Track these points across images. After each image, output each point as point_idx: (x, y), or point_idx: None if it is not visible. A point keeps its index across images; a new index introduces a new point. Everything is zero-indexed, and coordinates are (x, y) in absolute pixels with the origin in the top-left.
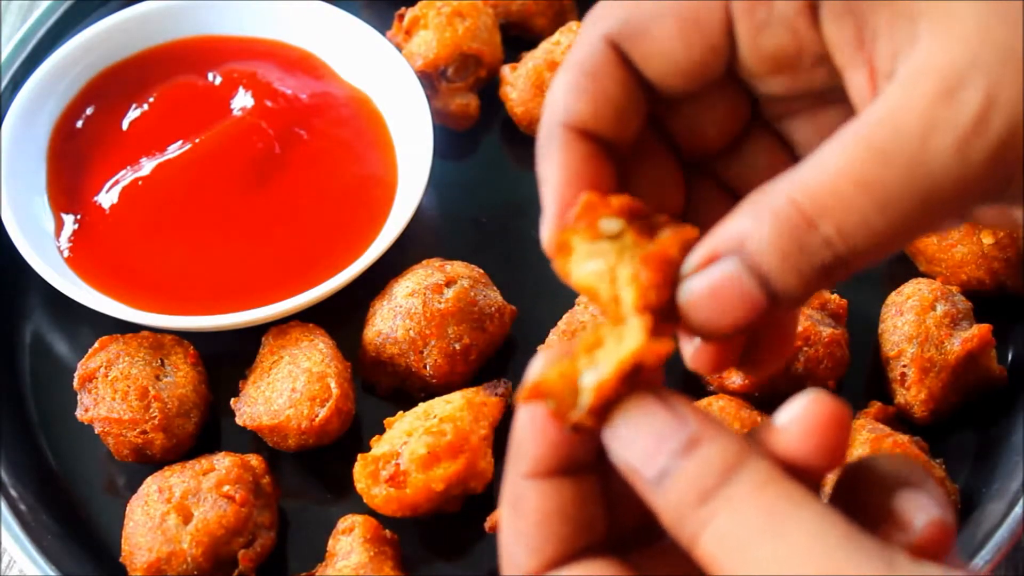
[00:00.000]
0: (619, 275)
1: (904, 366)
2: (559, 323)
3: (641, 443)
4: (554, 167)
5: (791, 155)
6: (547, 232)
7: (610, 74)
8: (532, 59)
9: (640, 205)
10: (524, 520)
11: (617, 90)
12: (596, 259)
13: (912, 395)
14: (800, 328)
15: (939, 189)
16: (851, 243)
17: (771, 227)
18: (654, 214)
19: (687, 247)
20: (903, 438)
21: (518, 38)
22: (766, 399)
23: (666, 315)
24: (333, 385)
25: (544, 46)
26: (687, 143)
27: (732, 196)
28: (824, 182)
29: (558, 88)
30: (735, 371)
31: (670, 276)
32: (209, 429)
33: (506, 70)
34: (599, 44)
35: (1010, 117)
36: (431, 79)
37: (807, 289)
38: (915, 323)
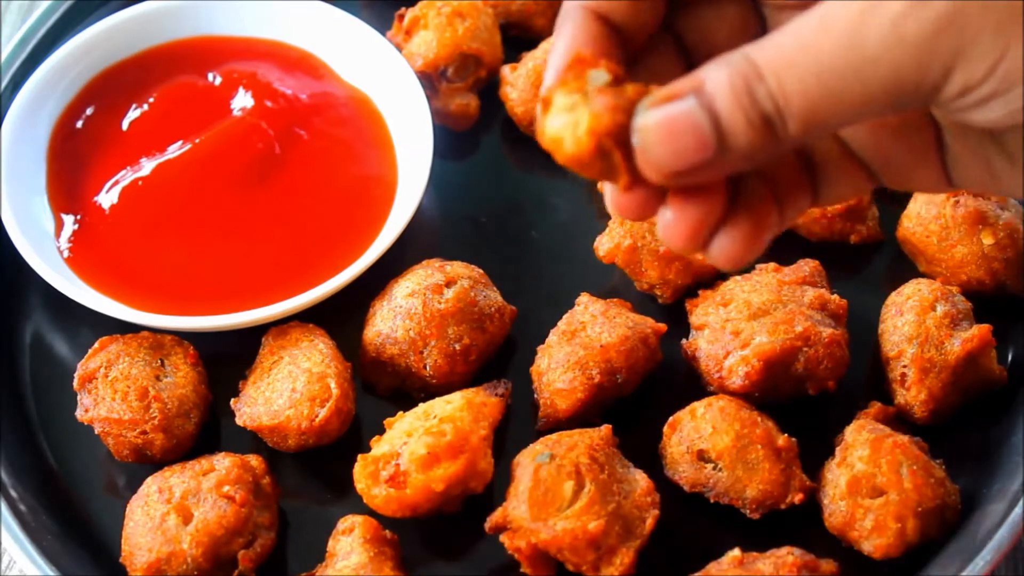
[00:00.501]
0: (576, 114)
1: (904, 366)
2: (559, 323)
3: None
4: (563, 38)
5: None
6: (544, 84)
7: None
8: (532, 59)
9: (624, 72)
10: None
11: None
12: (570, 100)
13: (912, 395)
14: (800, 328)
15: (872, 63)
16: (789, 101)
17: (727, 73)
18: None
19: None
20: (903, 438)
21: (518, 38)
22: (766, 399)
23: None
24: (333, 385)
25: (544, 46)
26: (697, 46)
27: None
28: (776, 43)
29: None
30: (735, 371)
31: (628, 112)
32: (209, 429)
33: (506, 70)
34: None
35: (947, 4)
36: (431, 79)
37: (752, 140)
38: (915, 323)
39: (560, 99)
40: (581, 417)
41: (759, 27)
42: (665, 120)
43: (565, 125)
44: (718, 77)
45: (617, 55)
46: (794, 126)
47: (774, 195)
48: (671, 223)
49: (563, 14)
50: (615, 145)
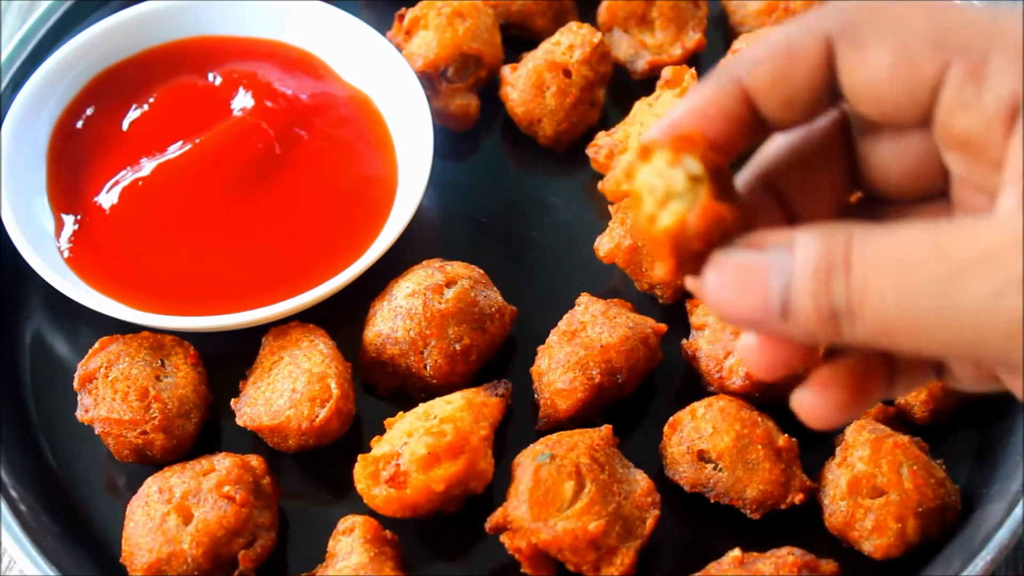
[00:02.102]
0: (672, 203)
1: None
2: (559, 323)
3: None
4: (699, 98)
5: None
6: (657, 127)
7: (808, 67)
8: (532, 59)
9: (729, 175)
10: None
11: (803, 84)
12: (663, 178)
13: (912, 395)
14: None
15: (959, 318)
16: (863, 310)
17: (817, 250)
18: (736, 191)
19: (742, 226)
20: (903, 438)
21: (518, 38)
22: (766, 400)
23: (684, 264)
24: (333, 386)
25: (544, 46)
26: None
27: None
28: (881, 243)
29: (759, 47)
30: (735, 371)
31: (715, 230)
32: (209, 429)
33: (506, 70)
34: (817, 36)
35: None
36: (431, 79)
37: (814, 326)
38: None
39: (659, 159)
40: (581, 417)
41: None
42: (740, 267)
43: (652, 191)
44: (807, 249)
45: (741, 142)
46: (860, 333)
47: (889, 362)
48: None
49: (715, 73)
50: (688, 252)
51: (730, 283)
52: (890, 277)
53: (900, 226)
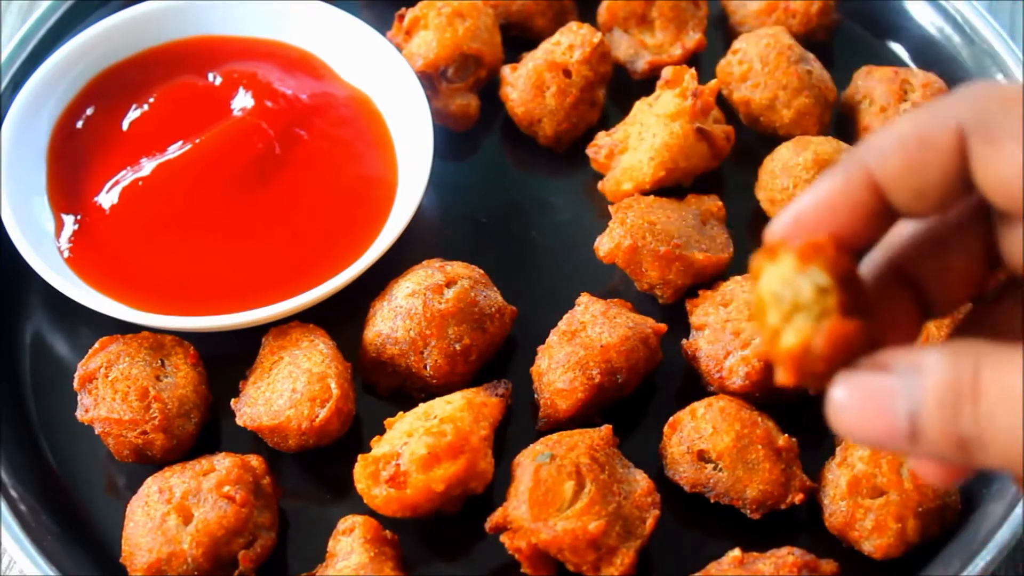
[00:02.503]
0: (797, 318)
1: None
2: (559, 323)
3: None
4: (827, 188)
5: None
6: (777, 223)
7: (940, 160)
8: (532, 59)
9: (859, 281)
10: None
11: (936, 176)
12: (787, 286)
13: None
14: None
15: None
16: (991, 439)
17: (946, 376)
18: (865, 298)
19: (869, 340)
20: None
21: (518, 38)
22: (767, 400)
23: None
24: (333, 386)
25: (544, 46)
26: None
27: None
28: (1007, 374)
29: (888, 134)
30: (735, 371)
31: (840, 352)
32: (209, 429)
33: (506, 70)
34: (949, 127)
35: None
36: (431, 79)
37: (941, 450)
38: None
39: (786, 263)
40: (581, 417)
41: None
42: (863, 392)
43: (778, 301)
44: (935, 375)
45: (863, 230)
46: (991, 460)
47: None
48: (920, 465)
49: (846, 161)
50: (811, 371)
51: (857, 406)
52: (1018, 410)
53: None
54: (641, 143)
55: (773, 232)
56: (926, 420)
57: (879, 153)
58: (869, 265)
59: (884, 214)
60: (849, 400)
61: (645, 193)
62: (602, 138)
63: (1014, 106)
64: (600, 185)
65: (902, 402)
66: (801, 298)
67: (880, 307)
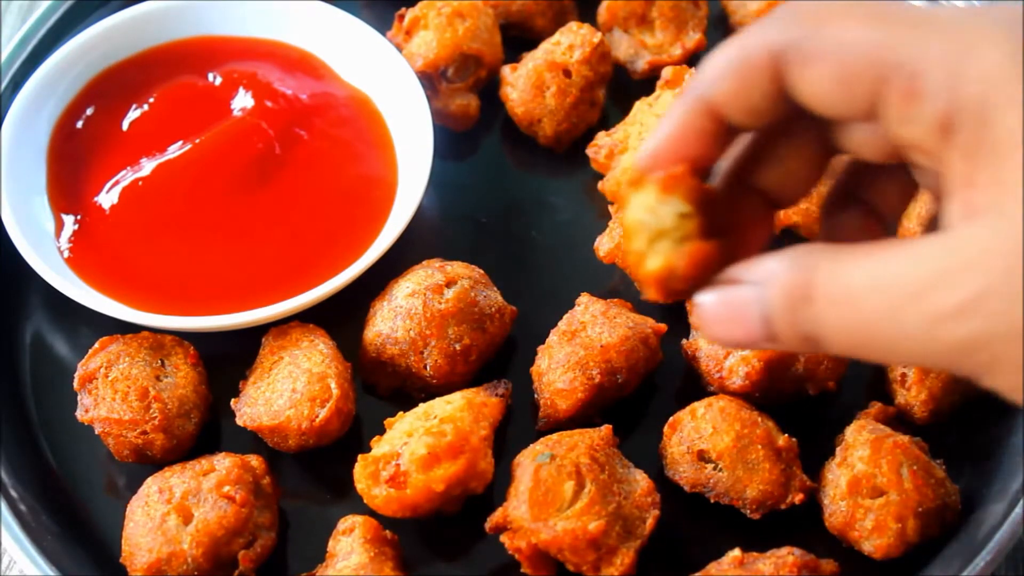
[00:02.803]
0: (660, 243)
1: (904, 367)
2: (559, 323)
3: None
4: (674, 122)
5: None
6: (639, 158)
7: (762, 80)
8: (532, 59)
9: (713, 197)
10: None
11: (761, 95)
12: (651, 214)
13: (913, 395)
14: None
15: (902, 340)
16: (827, 334)
17: (786, 281)
18: (726, 215)
19: (728, 258)
20: (904, 439)
21: (518, 38)
22: (766, 400)
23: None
24: (333, 386)
25: (544, 46)
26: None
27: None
28: (834, 279)
29: (714, 64)
30: (735, 371)
31: (701, 271)
32: (209, 429)
33: (506, 70)
34: (765, 50)
35: (978, 332)
36: (431, 79)
37: (794, 346)
38: None
39: (651, 192)
40: (582, 417)
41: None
42: (724, 304)
43: (644, 228)
44: (776, 285)
45: (714, 148)
46: (834, 351)
47: None
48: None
49: (683, 95)
50: (674, 290)
51: (719, 317)
52: (843, 311)
53: (852, 257)
54: (641, 143)
55: (637, 165)
56: (776, 323)
57: (710, 81)
58: (719, 175)
59: (726, 133)
60: (712, 312)
61: None
62: (602, 138)
63: (820, 24)
64: (600, 185)
65: (755, 309)
66: (663, 225)
67: (734, 211)
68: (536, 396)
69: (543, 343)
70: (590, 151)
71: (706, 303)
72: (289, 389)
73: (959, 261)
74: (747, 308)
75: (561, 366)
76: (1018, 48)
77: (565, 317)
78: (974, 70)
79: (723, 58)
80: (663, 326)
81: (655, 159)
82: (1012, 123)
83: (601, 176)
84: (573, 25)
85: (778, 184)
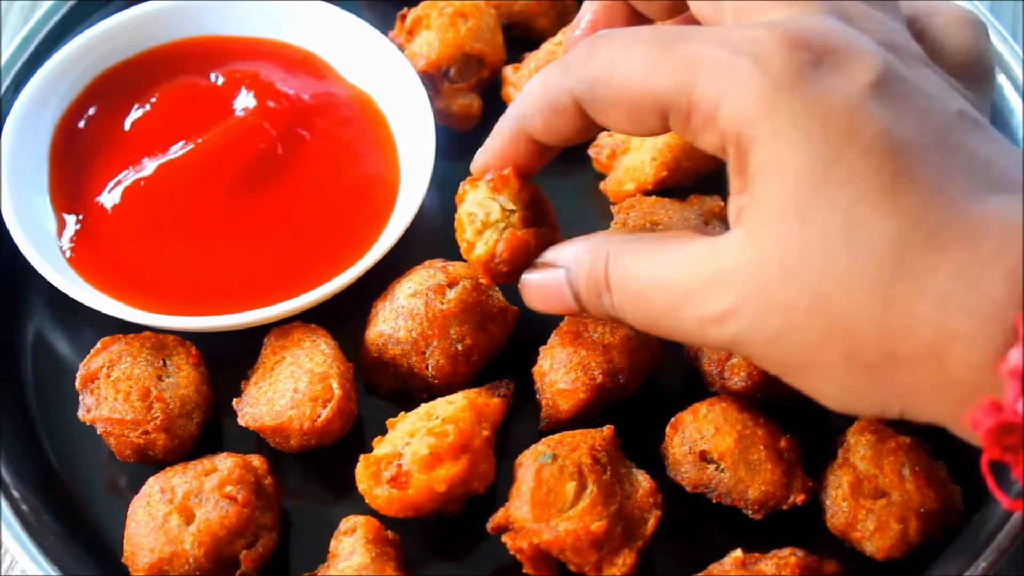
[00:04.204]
0: (487, 232)
1: None
2: (561, 324)
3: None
4: (499, 141)
5: None
6: (474, 163)
7: (568, 116)
8: (535, 60)
9: (539, 198)
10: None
11: (568, 126)
12: (480, 208)
13: None
14: None
15: (682, 333)
16: (623, 317)
17: (589, 272)
18: (545, 210)
19: (544, 243)
20: (905, 439)
21: (520, 39)
22: (768, 400)
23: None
24: (335, 386)
25: (546, 47)
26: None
27: None
28: (625, 274)
29: (531, 102)
30: (737, 372)
31: (519, 257)
32: (211, 429)
33: (508, 71)
34: (567, 96)
35: (736, 335)
36: (433, 79)
37: (602, 319)
38: None
39: (482, 190)
40: (583, 417)
41: None
42: (540, 284)
43: (471, 220)
44: (581, 272)
45: (535, 156)
46: (635, 327)
47: None
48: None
49: (509, 115)
50: (499, 273)
51: (538, 295)
52: (633, 303)
53: (637, 254)
54: (643, 143)
55: (474, 168)
56: (582, 302)
57: (525, 118)
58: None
59: (546, 150)
60: (531, 290)
61: (647, 193)
62: (604, 138)
63: (607, 81)
64: (602, 185)
65: (565, 289)
66: (490, 218)
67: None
68: (538, 396)
69: (545, 343)
70: (592, 151)
71: (526, 282)
72: (291, 389)
73: (718, 273)
74: (558, 288)
75: (563, 366)
76: (769, 84)
77: (567, 317)
78: (728, 111)
79: (533, 97)
80: None
81: (485, 168)
82: (761, 156)
83: (603, 176)
84: None
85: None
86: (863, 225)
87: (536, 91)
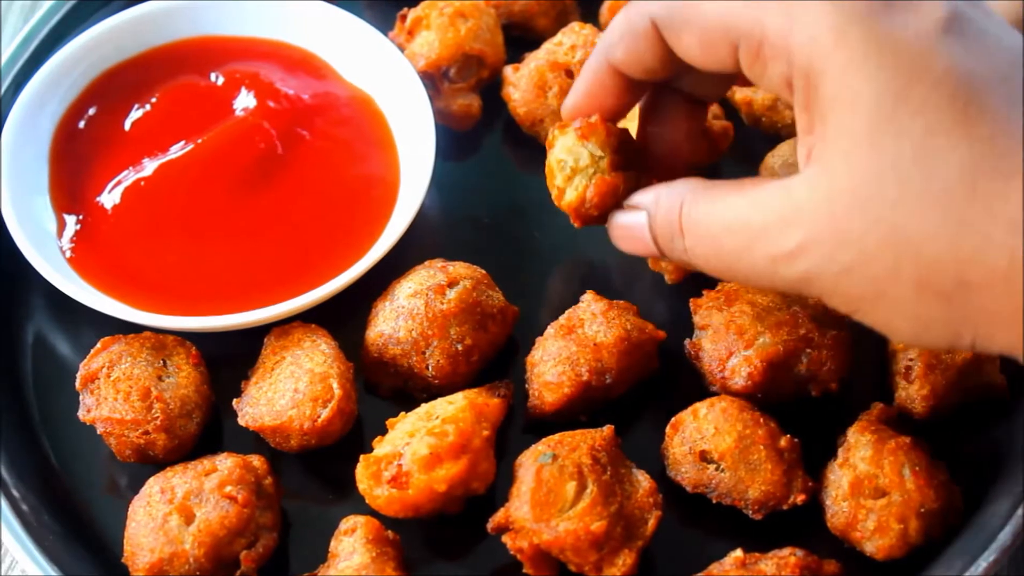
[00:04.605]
0: (576, 178)
1: (911, 359)
2: (560, 317)
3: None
4: (586, 79)
5: None
6: (565, 106)
7: (649, 45)
8: (534, 60)
9: (628, 141)
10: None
11: (651, 56)
12: (570, 155)
13: (915, 389)
14: (803, 330)
15: (753, 274)
16: (695, 261)
17: (663, 212)
18: (635, 153)
19: (632, 186)
20: (906, 439)
21: (520, 39)
22: (769, 400)
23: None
24: (335, 386)
25: (546, 47)
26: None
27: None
28: (698, 217)
29: (611, 30)
30: (737, 372)
31: (608, 200)
32: (211, 430)
33: (508, 71)
34: (646, 20)
35: (809, 270)
36: (433, 79)
37: (678, 262)
38: None
39: (571, 135)
40: (567, 413)
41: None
42: (624, 225)
43: (562, 167)
44: (659, 214)
45: (623, 94)
46: (706, 272)
47: None
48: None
49: (594, 55)
50: (590, 216)
51: (623, 236)
52: (705, 246)
53: (711, 197)
54: None
55: (564, 110)
56: (660, 246)
57: (609, 46)
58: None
59: (632, 87)
60: (615, 231)
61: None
62: None
63: (685, 4)
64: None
65: (644, 233)
66: (579, 164)
67: (647, 148)
68: (526, 386)
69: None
70: None
71: (613, 223)
72: (291, 389)
73: (790, 211)
74: (639, 231)
75: (552, 359)
76: (842, 17)
77: (566, 312)
78: (799, 40)
79: (617, 25)
80: (662, 333)
81: (574, 110)
82: (831, 89)
83: None
84: (575, 25)
85: (677, 126)
86: (935, 153)
87: (619, 19)
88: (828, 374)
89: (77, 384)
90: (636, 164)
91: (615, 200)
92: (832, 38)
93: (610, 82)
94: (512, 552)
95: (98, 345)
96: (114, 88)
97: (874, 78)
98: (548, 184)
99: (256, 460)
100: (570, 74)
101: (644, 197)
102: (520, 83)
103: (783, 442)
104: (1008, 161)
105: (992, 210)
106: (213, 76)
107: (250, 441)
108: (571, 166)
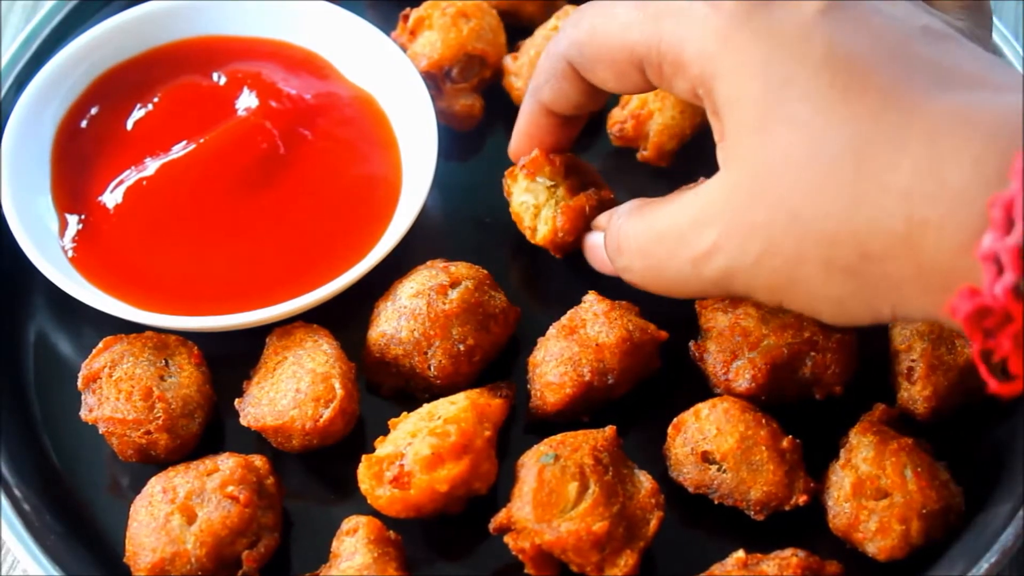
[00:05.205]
0: (543, 212)
1: (913, 360)
2: (562, 317)
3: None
4: (523, 121)
5: None
6: (509, 150)
7: (570, 83)
8: (533, 46)
9: (575, 164)
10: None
11: (575, 92)
12: (529, 194)
13: (917, 390)
14: (808, 334)
15: (680, 279)
16: (635, 278)
17: (609, 236)
18: (585, 171)
19: (595, 203)
20: (908, 440)
21: (509, 26)
22: (771, 402)
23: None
24: (337, 386)
25: (541, 32)
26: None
27: None
28: (631, 237)
29: (540, 73)
30: (741, 374)
31: (578, 223)
32: (213, 429)
33: (508, 60)
34: (563, 62)
35: (726, 267)
36: (436, 79)
37: (626, 278)
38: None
39: (522, 181)
40: (569, 413)
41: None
42: (589, 247)
43: (526, 208)
44: (607, 230)
45: (561, 131)
46: (648, 290)
47: None
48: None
49: (527, 98)
50: (567, 244)
51: (591, 258)
52: (641, 259)
53: (643, 213)
54: (665, 101)
55: (510, 155)
56: (615, 265)
57: (537, 90)
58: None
59: (567, 121)
60: (587, 254)
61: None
62: (619, 113)
63: (595, 42)
64: (640, 155)
65: (603, 253)
66: (540, 200)
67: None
68: (528, 386)
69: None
70: (613, 129)
71: (584, 246)
72: (293, 389)
73: (702, 211)
74: (600, 251)
75: (554, 359)
76: (723, 22)
77: (569, 312)
78: (690, 53)
79: (541, 68)
80: (664, 333)
81: (517, 153)
82: (724, 91)
83: (626, 151)
84: (567, 8)
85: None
86: (822, 134)
87: (542, 62)
88: (832, 377)
89: (79, 384)
90: (592, 181)
91: (584, 222)
92: (718, 44)
93: (545, 121)
94: (514, 552)
95: (100, 345)
96: (116, 88)
97: (760, 73)
98: (520, 229)
99: (258, 460)
100: None
101: (602, 218)
102: (522, 71)
103: (785, 443)
104: (898, 132)
105: (883, 182)
106: (215, 76)
107: (252, 441)
108: (533, 204)
